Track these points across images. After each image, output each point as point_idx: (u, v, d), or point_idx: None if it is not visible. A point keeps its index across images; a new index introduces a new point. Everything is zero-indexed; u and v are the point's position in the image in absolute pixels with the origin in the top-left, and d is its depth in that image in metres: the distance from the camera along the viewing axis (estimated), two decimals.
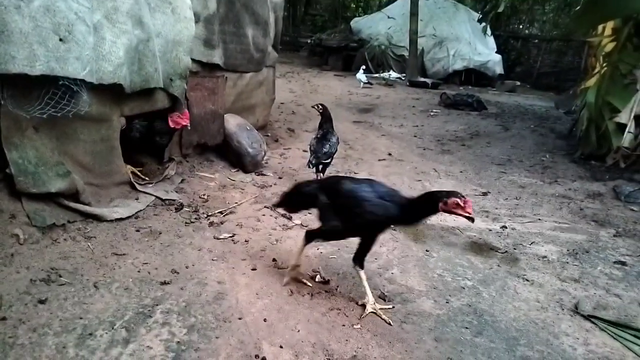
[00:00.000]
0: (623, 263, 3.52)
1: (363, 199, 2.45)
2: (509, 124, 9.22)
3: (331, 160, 4.57)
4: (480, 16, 13.41)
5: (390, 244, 3.54)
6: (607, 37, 6.62)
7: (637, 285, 3.22)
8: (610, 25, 6.57)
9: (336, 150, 4.62)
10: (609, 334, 2.65)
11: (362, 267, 2.70)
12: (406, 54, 15.49)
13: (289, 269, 2.90)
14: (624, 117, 5.92)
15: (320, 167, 4.55)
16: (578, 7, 6.34)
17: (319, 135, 4.58)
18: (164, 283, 2.72)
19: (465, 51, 15.78)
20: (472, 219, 2.26)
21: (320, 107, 4.69)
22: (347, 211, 2.52)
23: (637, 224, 4.30)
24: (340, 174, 4.91)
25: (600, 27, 6.89)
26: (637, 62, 5.96)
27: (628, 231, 4.14)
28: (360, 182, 2.61)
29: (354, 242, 3.51)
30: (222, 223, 3.64)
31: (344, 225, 2.55)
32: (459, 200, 2.22)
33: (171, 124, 4.04)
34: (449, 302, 2.84)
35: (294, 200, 2.99)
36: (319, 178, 4.61)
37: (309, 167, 4.50)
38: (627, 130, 5.86)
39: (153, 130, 4.11)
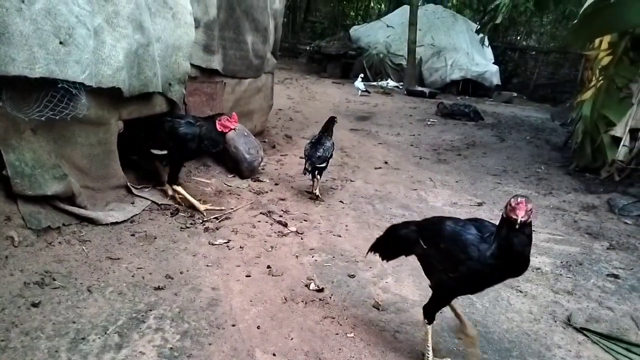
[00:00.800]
0: (616, 276, 3.54)
1: (468, 243, 2.06)
2: (505, 135, 9.27)
3: (327, 164, 4.59)
4: (479, 27, 13.49)
5: None
6: (603, 51, 6.68)
7: (629, 298, 3.24)
8: (606, 39, 6.63)
9: (331, 155, 4.63)
10: (601, 346, 2.66)
11: (431, 321, 2.32)
12: (404, 63, 15.58)
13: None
14: (619, 130, 5.97)
15: (316, 172, 4.57)
16: (575, 21, 6.39)
17: (313, 140, 4.62)
18: (158, 288, 2.72)
19: (463, 61, 15.87)
20: (514, 222, 1.86)
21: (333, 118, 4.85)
22: (450, 259, 2.13)
23: (630, 237, 4.32)
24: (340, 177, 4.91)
25: (597, 41, 6.95)
26: (633, 76, 6.01)
27: (621, 244, 4.16)
28: (466, 223, 2.18)
29: (349, 249, 3.54)
30: (217, 229, 3.64)
31: (451, 278, 2.15)
32: (512, 201, 1.90)
33: (219, 128, 3.81)
34: (442, 312, 2.82)
35: (389, 246, 2.60)
36: (313, 182, 4.64)
37: (305, 174, 4.50)
38: (622, 143, 5.90)
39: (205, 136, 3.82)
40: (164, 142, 3.82)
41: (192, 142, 3.79)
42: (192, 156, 4.13)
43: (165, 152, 3.88)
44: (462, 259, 2.06)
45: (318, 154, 4.44)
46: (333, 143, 4.70)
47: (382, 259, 2.67)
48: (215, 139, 3.87)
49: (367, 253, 2.68)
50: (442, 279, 2.22)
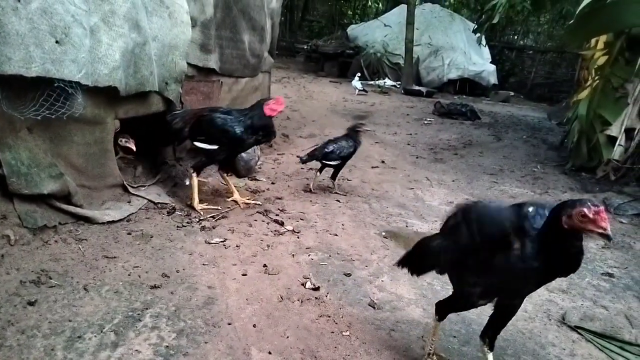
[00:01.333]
0: (610, 275, 3.56)
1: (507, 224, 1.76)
2: (501, 134, 9.29)
3: (340, 163, 4.68)
4: (476, 26, 13.52)
5: (381, 251, 3.56)
6: (599, 51, 6.71)
7: (623, 297, 3.26)
8: (602, 39, 6.65)
9: (347, 155, 4.67)
10: (595, 345, 2.68)
11: (491, 348, 2.11)
12: (401, 62, 15.60)
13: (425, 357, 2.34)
14: (615, 130, 5.99)
15: (324, 169, 4.75)
16: (572, 21, 6.41)
17: (332, 137, 4.78)
18: (154, 287, 2.72)
19: (460, 61, 15.89)
20: (608, 237, 1.56)
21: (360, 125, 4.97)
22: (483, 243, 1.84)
23: (625, 236, 4.34)
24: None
25: (593, 41, 6.97)
26: (629, 76, 6.02)
27: (616, 243, 4.18)
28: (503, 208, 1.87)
29: (345, 248, 3.56)
30: (213, 227, 3.65)
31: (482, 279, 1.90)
32: (586, 210, 1.54)
33: (267, 112, 3.76)
34: None
35: (420, 260, 2.34)
36: (316, 176, 4.77)
37: (300, 162, 4.72)
38: (617, 143, 5.92)
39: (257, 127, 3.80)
40: (216, 138, 3.80)
41: (249, 139, 3.82)
42: (244, 151, 4.20)
43: (216, 147, 3.84)
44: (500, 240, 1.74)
45: (325, 150, 4.55)
46: (354, 146, 4.71)
47: (413, 275, 2.41)
48: (268, 129, 3.86)
49: (398, 266, 2.46)
50: (469, 282, 1.98)
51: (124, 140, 3.92)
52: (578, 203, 1.58)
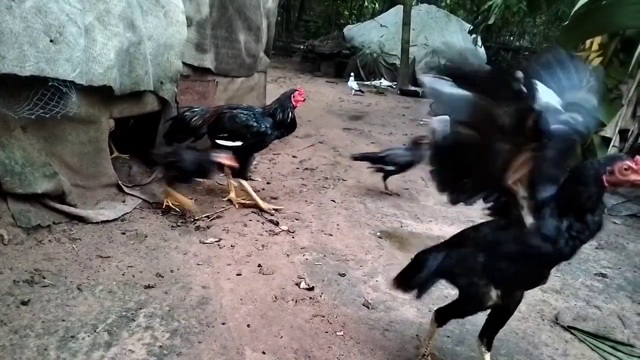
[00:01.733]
0: (604, 275, 3.58)
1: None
2: None
3: (395, 170, 4.77)
4: (472, 27, 13.55)
5: (375, 251, 3.56)
6: (594, 52, 6.72)
7: (616, 297, 3.27)
8: (597, 40, 6.67)
9: (403, 164, 4.73)
10: (588, 345, 2.69)
11: (489, 348, 2.12)
12: (398, 62, 15.57)
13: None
14: (609, 131, 6.01)
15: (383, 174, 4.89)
16: (567, 22, 6.44)
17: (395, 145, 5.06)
18: (148, 287, 2.72)
19: None
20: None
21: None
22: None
23: (618, 237, 4.36)
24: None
25: (587, 42, 7.00)
26: (623, 77, 6.04)
27: (610, 244, 4.20)
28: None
29: (340, 248, 3.56)
30: (208, 227, 3.65)
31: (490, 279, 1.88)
32: (628, 162, 1.55)
33: (294, 104, 3.93)
34: (432, 311, 2.85)
35: (415, 277, 2.20)
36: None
37: (352, 158, 5.14)
38: (611, 144, 5.94)
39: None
40: (241, 135, 3.87)
41: (271, 135, 3.93)
42: (266, 146, 4.26)
43: (240, 143, 3.90)
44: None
45: (381, 154, 4.79)
46: (411, 157, 4.74)
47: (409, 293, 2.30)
48: (291, 123, 3.97)
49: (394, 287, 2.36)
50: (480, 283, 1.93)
51: (220, 155, 3.65)
52: (616, 160, 1.58)
